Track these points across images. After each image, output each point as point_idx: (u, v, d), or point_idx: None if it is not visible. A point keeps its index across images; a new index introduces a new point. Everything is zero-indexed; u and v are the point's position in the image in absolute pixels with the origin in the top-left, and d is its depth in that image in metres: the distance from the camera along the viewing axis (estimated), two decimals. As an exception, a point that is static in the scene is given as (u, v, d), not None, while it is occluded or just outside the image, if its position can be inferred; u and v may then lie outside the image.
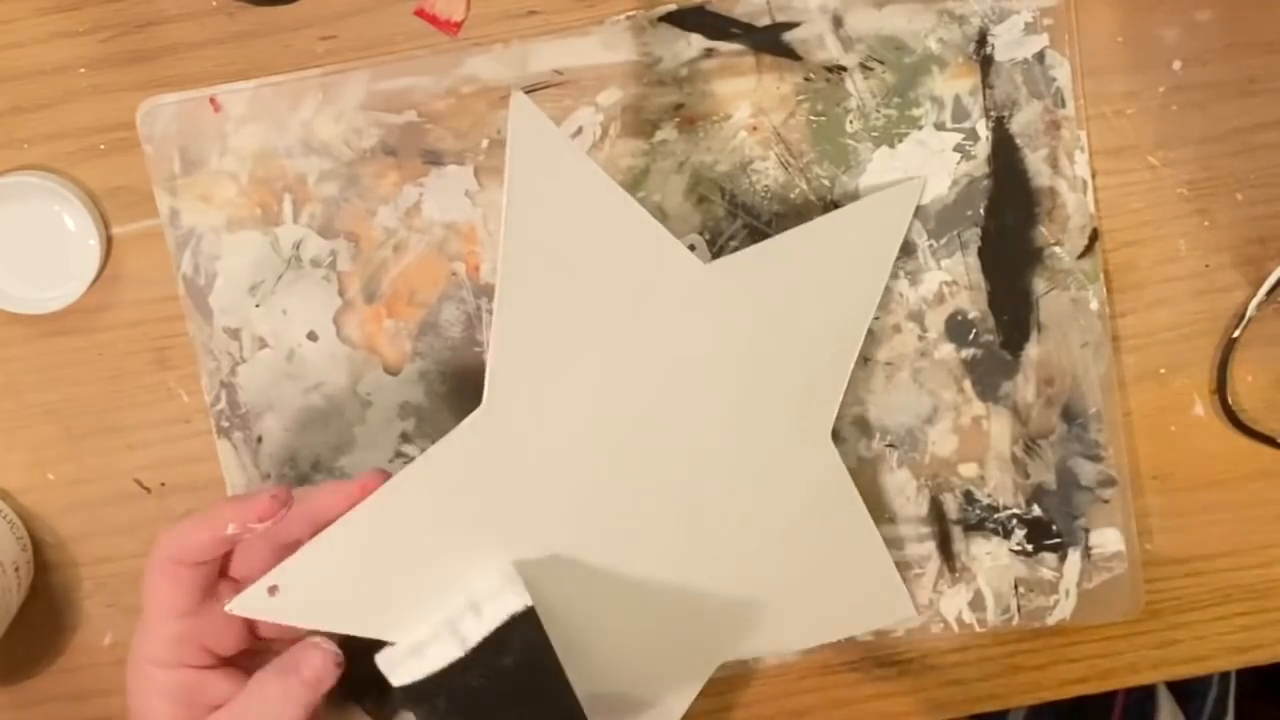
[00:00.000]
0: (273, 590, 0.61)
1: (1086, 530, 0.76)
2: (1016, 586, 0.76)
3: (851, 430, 0.75)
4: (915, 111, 0.73)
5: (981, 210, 0.74)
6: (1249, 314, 0.74)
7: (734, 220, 0.74)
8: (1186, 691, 1.02)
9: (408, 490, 0.64)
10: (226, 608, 0.62)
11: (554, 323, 0.65)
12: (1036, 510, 0.76)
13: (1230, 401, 0.75)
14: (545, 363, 0.66)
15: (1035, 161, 0.74)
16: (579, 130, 0.73)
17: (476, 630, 0.62)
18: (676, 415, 0.69)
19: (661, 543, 0.70)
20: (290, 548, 0.64)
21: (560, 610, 0.68)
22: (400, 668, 0.63)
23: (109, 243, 0.75)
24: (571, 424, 0.67)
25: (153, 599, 0.63)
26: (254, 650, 0.67)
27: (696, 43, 0.73)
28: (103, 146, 0.74)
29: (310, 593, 0.62)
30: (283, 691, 0.62)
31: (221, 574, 0.66)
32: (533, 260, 0.64)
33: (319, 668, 0.62)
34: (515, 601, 0.63)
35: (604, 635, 0.70)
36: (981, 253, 0.74)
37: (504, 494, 0.66)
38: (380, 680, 0.70)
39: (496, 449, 0.65)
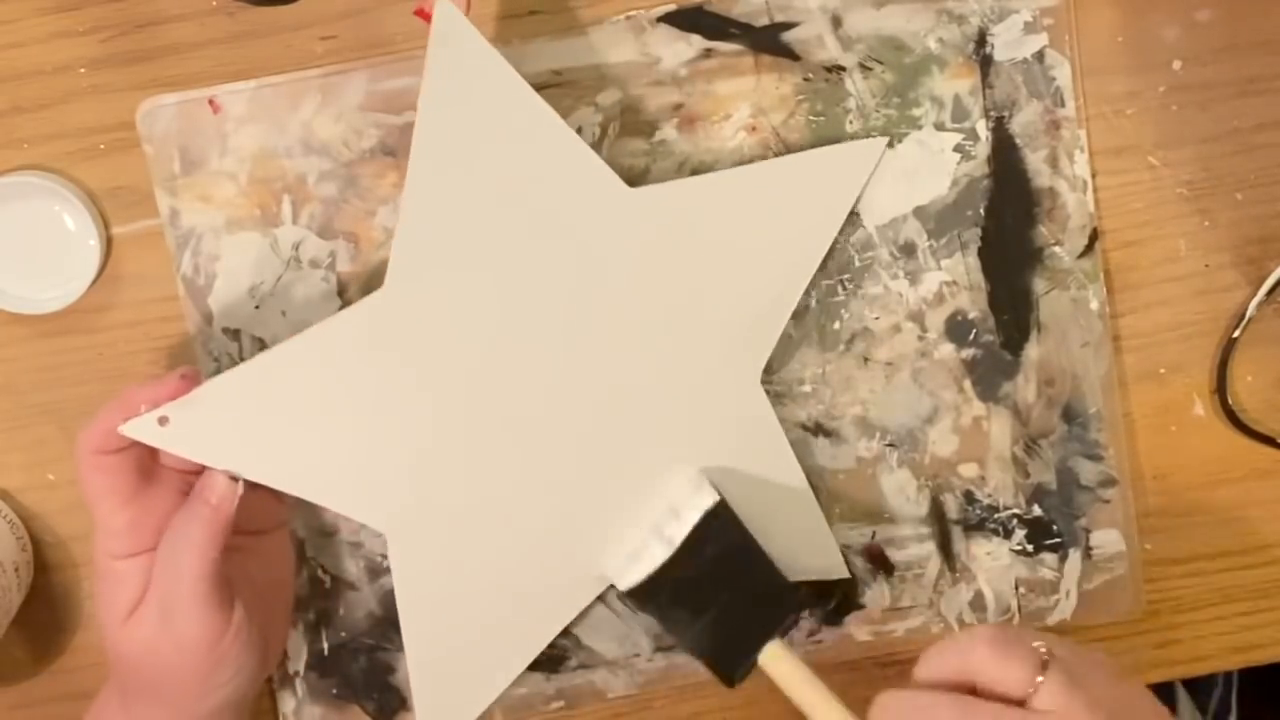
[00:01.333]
0: (162, 421, 0.63)
1: (1087, 530, 0.76)
2: (1017, 587, 0.76)
3: (851, 430, 0.75)
4: (915, 111, 0.73)
5: (981, 210, 0.74)
6: (1249, 314, 0.74)
7: (734, 220, 0.74)
8: (1191, 689, 1.02)
9: (302, 353, 0.66)
10: (119, 428, 0.63)
11: (461, 225, 0.66)
12: (1037, 510, 0.76)
13: (1230, 401, 0.75)
14: (448, 262, 0.66)
15: (1035, 161, 0.74)
16: (579, 130, 0.73)
17: (679, 531, 0.70)
18: (590, 332, 0.69)
19: (563, 454, 0.71)
20: None
21: (450, 498, 0.70)
22: (625, 575, 0.70)
23: (109, 243, 0.75)
24: (472, 323, 0.68)
25: (93, 496, 0.65)
26: None
27: (696, 43, 0.73)
28: (103, 146, 0.74)
29: (199, 429, 0.64)
30: (188, 514, 0.64)
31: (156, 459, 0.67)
32: (444, 161, 0.65)
33: (221, 488, 0.64)
34: (705, 500, 0.70)
35: (492, 531, 0.71)
36: (981, 253, 0.74)
37: (399, 379, 0.67)
38: (379, 681, 0.71)
39: (392, 334, 0.66)
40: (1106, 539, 0.76)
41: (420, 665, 0.71)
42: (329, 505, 0.68)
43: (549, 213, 0.68)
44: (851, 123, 0.73)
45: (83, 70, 0.74)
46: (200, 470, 0.66)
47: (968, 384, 0.75)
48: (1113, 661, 0.60)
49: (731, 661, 0.69)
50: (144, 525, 0.65)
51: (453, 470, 0.69)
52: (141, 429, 0.63)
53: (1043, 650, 0.57)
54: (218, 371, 0.75)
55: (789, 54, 0.73)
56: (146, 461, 0.66)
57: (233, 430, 0.65)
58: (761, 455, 0.73)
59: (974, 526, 0.76)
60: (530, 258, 0.68)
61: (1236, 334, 0.75)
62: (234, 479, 0.65)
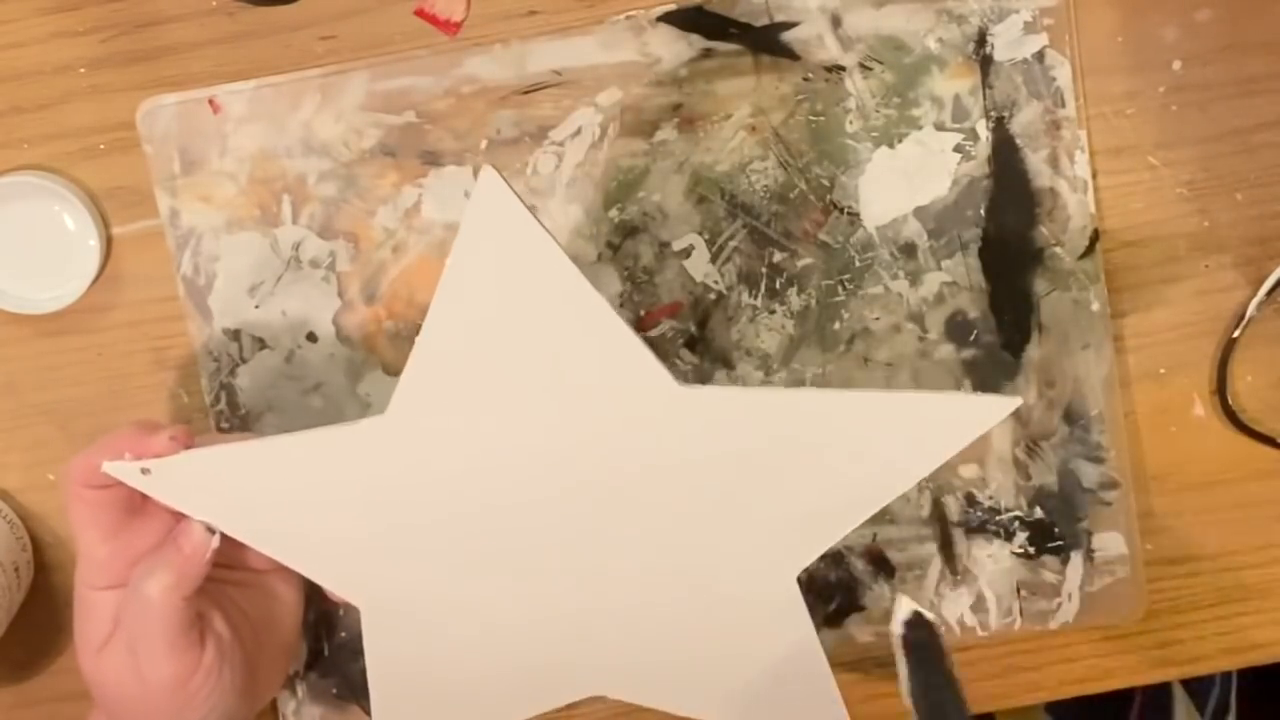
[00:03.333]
0: (145, 471, 0.63)
1: (1089, 533, 0.75)
2: (1019, 590, 0.76)
3: (851, 430, 0.75)
4: (915, 111, 0.73)
5: (982, 210, 0.74)
6: (1249, 314, 0.74)
7: (734, 220, 0.74)
8: (1189, 688, 1.02)
9: (291, 452, 0.64)
10: (102, 467, 0.63)
11: (478, 381, 0.62)
12: (1038, 513, 0.76)
13: (1230, 401, 0.75)
14: (458, 410, 0.63)
15: (1035, 162, 0.74)
16: (578, 130, 0.73)
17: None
18: (606, 503, 0.65)
19: (557, 587, 0.68)
20: None
21: (430, 599, 0.68)
22: None
23: (109, 243, 0.75)
24: (479, 468, 0.64)
25: (78, 528, 0.65)
26: None
27: (696, 43, 0.73)
28: (103, 146, 0.74)
29: (180, 483, 0.64)
30: (160, 557, 0.64)
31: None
32: (469, 320, 0.61)
33: (196, 538, 0.64)
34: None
35: (472, 632, 0.69)
36: (982, 253, 0.74)
37: (390, 494, 0.65)
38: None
39: (388, 458, 0.64)
40: (1108, 542, 0.75)
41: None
42: (305, 573, 0.67)
43: (580, 392, 0.62)
44: (851, 123, 0.73)
45: (83, 70, 0.74)
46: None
47: (968, 385, 0.75)
48: None
49: None
50: (124, 559, 0.65)
51: (438, 576, 0.67)
52: (123, 472, 0.63)
53: None
54: (218, 372, 0.75)
55: (789, 54, 0.73)
56: (134, 499, 0.66)
57: (213, 492, 0.65)
58: (781, 635, 0.69)
59: (975, 529, 0.76)
60: (552, 428, 0.63)
61: (1236, 334, 0.74)
62: (211, 530, 0.64)
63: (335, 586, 0.68)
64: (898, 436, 0.63)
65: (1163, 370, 0.75)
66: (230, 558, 0.68)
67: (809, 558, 0.67)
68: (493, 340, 0.61)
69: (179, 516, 0.65)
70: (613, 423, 0.63)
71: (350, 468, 0.64)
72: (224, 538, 0.65)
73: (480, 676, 0.70)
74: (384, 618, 0.68)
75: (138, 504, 0.66)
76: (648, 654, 0.70)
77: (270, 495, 0.65)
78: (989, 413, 0.63)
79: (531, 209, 0.59)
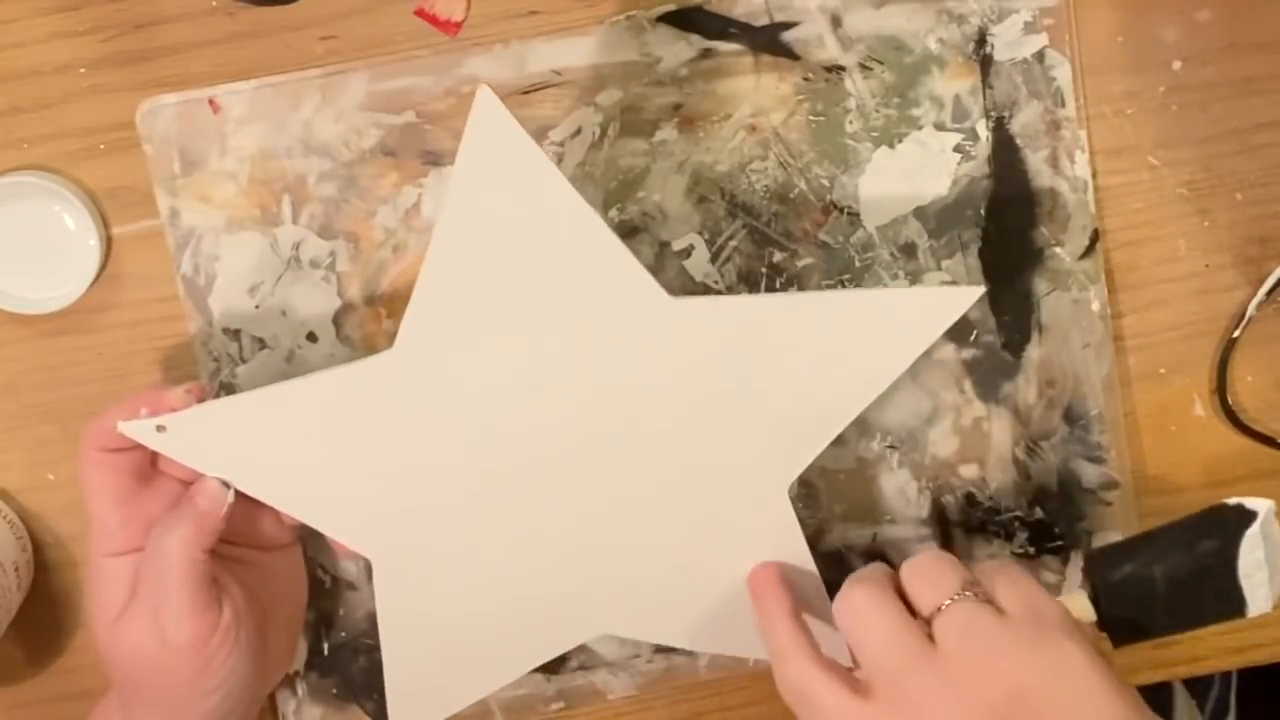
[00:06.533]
0: (160, 429, 0.64)
1: (1089, 533, 0.76)
2: (1019, 589, 0.76)
3: (851, 430, 0.74)
4: (915, 111, 0.73)
5: (982, 211, 0.74)
6: (1249, 314, 0.74)
7: (734, 220, 0.74)
8: (1190, 688, 1.02)
9: (304, 395, 0.66)
10: (118, 427, 0.64)
11: (481, 306, 0.64)
12: (1039, 513, 0.76)
13: (1230, 401, 0.75)
14: (464, 338, 0.65)
15: (1036, 162, 0.74)
16: (578, 130, 0.73)
17: None
18: (608, 422, 0.67)
19: (565, 521, 0.69)
20: None
21: (441, 543, 0.69)
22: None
23: (109, 243, 0.75)
24: (485, 397, 0.66)
25: (90, 491, 0.66)
26: None
27: (696, 43, 0.73)
28: (103, 146, 0.74)
29: (194, 439, 0.65)
30: (176, 513, 0.65)
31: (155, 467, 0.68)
32: (471, 242, 0.63)
33: (211, 492, 0.65)
34: None
35: (482, 576, 0.70)
36: (982, 253, 0.74)
37: (400, 432, 0.66)
38: (379, 680, 0.71)
39: (398, 393, 0.65)
40: (1108, 542, 0.75)
41: (396, 680, 0.71)
42: (315, 526, 0.68)
43: (578, 309, 0.65)
44: (851, 123, 0.73)
45: (83, 70, 0.74)
46: (196, 478, 0.67)
47: (968, 384, 0.75)
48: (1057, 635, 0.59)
49: None
50: (137, 524, 0.66)
51: (447, 518, 0.68)
52: (139, 430, 0.64)
53: (956, 590, 0.60)
54: (218, 372, 0.75)
55: (789, 54, 0.73)
56: (145, 466, 0.67)
57: (227, 446, 0.66)
58: (778, 555, 0.70)
59: (975, 528, 0.76)
60: (553, 348, 0.65)
61: (1236, 334, 0.74)
62: (225, 486, 0.66)
63: (347, 538, 0.69)
64: (873, 332, 0.66)
65: (1163, 370, 0.75)
66: (236, 534, 0.69)
67: (798, 467, 0.69)
68: (495, 264, 0.63)
69: (187, 484, 0.66)
70: (610, 339, 0.65)
71: (361, 406, 0.66)
72: (233, 507, 0.66)
73: (488, 619, 0.71)
74: (394, 568, 0.69)
75: (148, 471, 0.67)
76: (650, 585, 0.71)
77: (283, 444, 0.66)
78: (956, 302, 0.66)
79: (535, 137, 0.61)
